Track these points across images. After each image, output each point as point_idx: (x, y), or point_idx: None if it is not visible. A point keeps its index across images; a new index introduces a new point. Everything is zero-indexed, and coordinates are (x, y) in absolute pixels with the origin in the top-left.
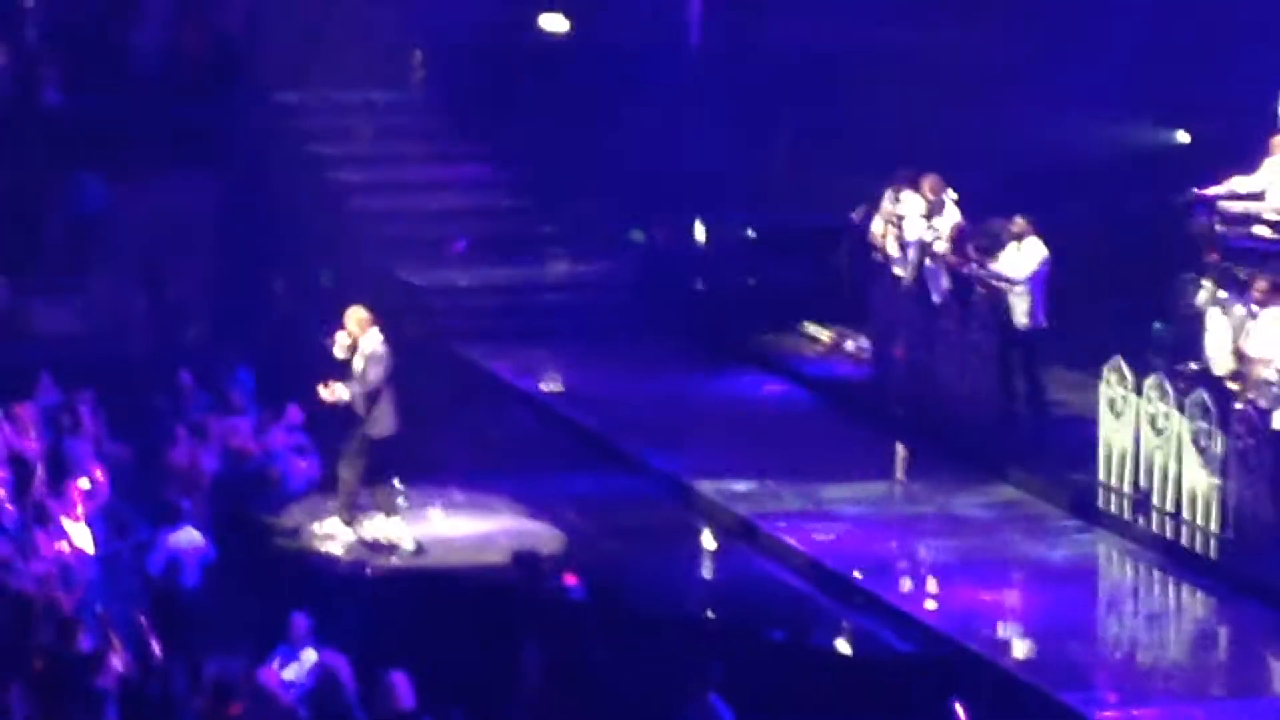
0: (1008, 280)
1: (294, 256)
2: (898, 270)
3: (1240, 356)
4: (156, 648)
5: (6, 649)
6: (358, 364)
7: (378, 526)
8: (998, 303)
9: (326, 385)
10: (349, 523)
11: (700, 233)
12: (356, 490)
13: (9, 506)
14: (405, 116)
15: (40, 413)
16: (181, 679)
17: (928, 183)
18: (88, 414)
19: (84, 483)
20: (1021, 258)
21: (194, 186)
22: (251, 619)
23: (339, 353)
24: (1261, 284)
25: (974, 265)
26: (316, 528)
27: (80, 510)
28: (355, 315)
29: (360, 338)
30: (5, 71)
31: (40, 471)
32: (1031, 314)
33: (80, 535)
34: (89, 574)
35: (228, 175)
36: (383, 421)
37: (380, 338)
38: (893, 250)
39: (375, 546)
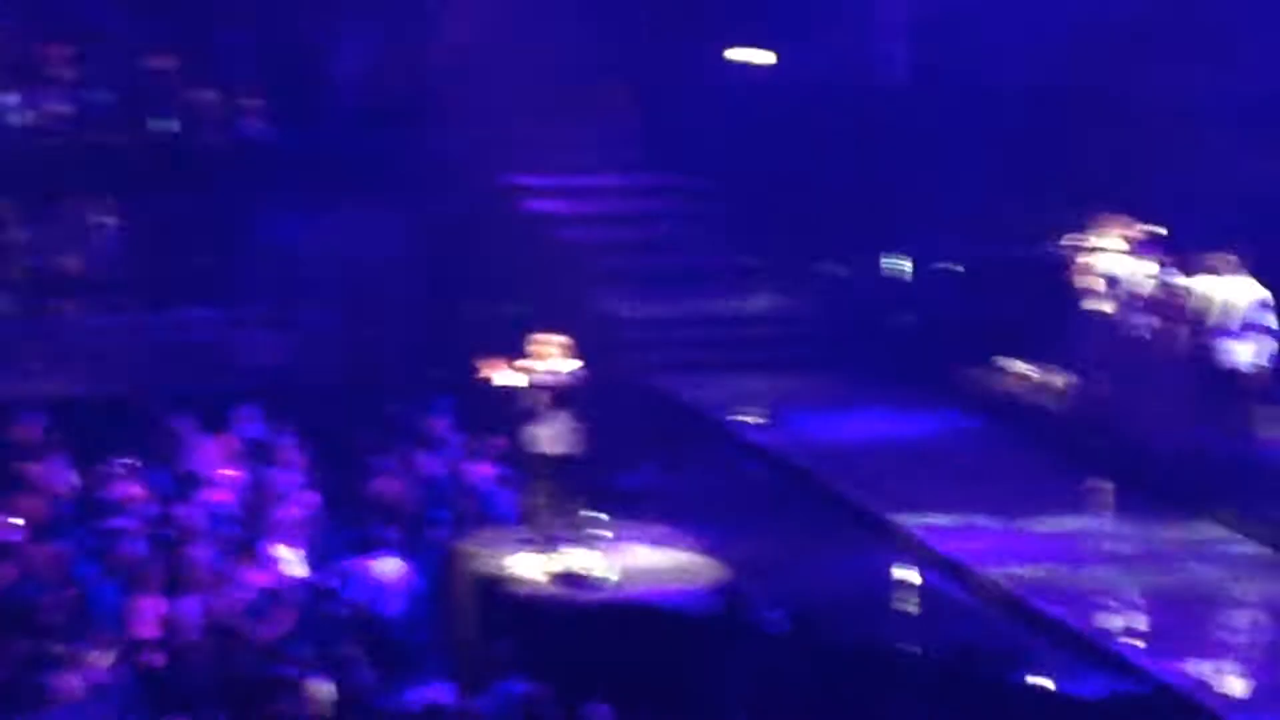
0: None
1: (493, 288)
2: (1100, 305)
3: None
4: (363, 677)
5: (210, 679)
6: (556, 397)
7: (575, 558)
8: (1207, 341)
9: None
10: (544, 553)
11: (902, 265)
12: (549, 519)
13: (213, 536)
14: (607, 150)
15: (244, 444)
16: (389, 708)
17: (1130, 220)
18: (291, 445)
19: (287, 512)
20: (1232, 298)
21: (395, 218)
22: (454, 648)
23: (514, 379)
24: None
25: (1170, 302)
26: (514, 558)
27: (283, 540)
28: (545, 342)
29: (555, 365)
30: (208, 105)
31: (244, 501)
32: (1250, 355)
33: (284, 564)
34: (293, 603)
35: (427, 207)
36: (558, 441)
37: (569, 365)
38: (1096, 285)
39: (572, 578)
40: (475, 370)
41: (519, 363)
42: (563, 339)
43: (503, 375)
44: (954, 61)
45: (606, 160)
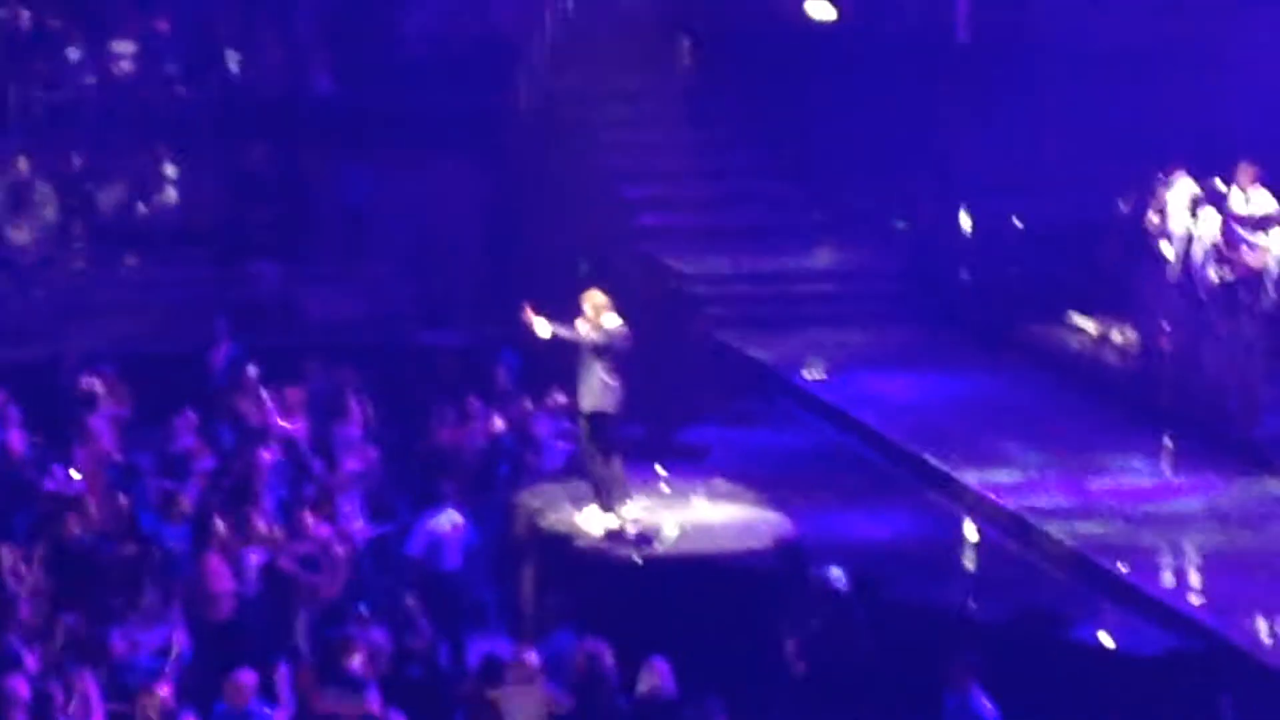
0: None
1: (561, 243)
2: (1167, 260)
3: None
4: (424, 630)
5: (271, 631)
6: (599, 338)
7: (635, 512)
8: (1271, 293)
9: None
10: (608, 508)
11: (966, 222)
12: (607, 474)
13: (276, 489)
14: (673, 104)
15: (309, 397)
16: (447, 661)
17: (1246, 172)
18: (355, 399)
19: (350, 466)
20: None
21: (463, 174)
22: (514, 602)
23: (583, 337)
24: None
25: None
26: (574, 513)
27: (346, 493)
28: (593, 299)
29: (599, 319)
30: (277, 62)
31: (307, 455)
32: None
33: (345, 518)
34: (354, 557)
35: (496, 162)
36: (603, 398)
37: (619, 321)
38: (1162, 240)
39: (635, 533)
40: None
41: (561, 320)
42: (601, 298)
43: (544, 328)
44: (1019, 17)
45: (670, 115)
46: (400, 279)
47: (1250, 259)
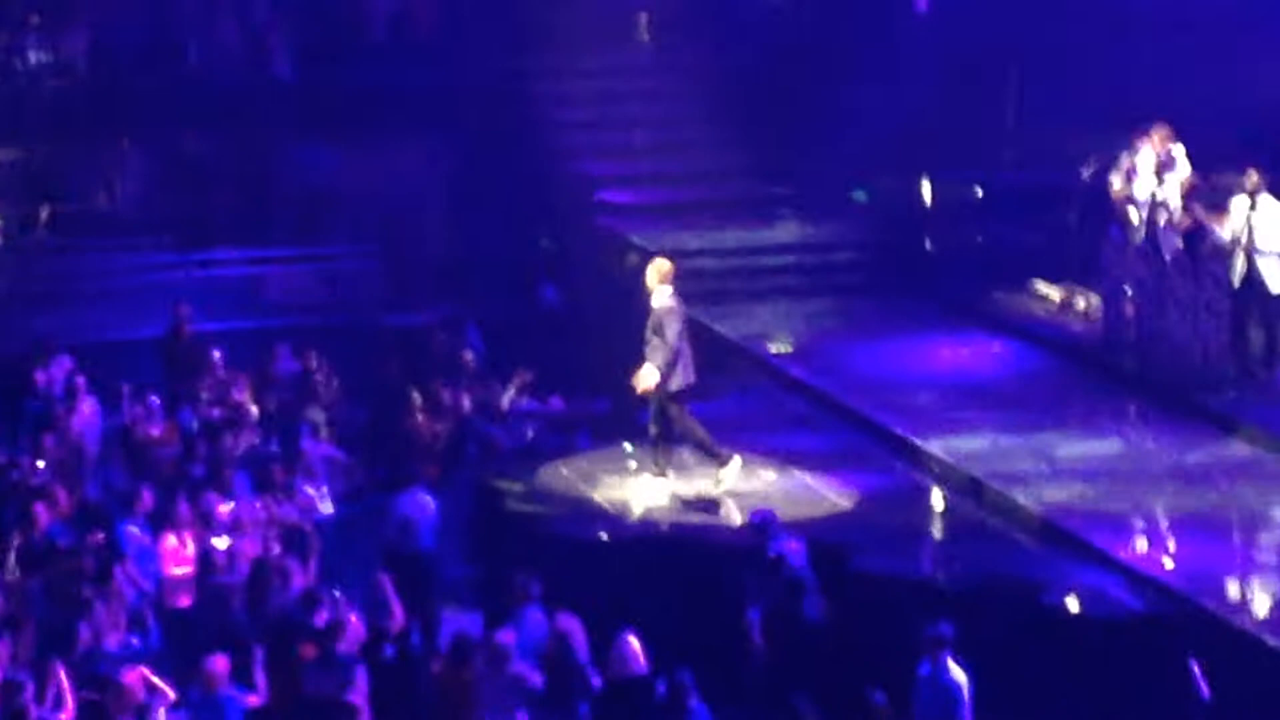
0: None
1: (524, 221)
2: (1129, 227)
3: None
4: (396, 611)
5: (241, 617)
6: (651, 325)
7: (605, 490)
8: (1234, 260)
9: (636, 379)
10: (661, 476)
11: (928, 192)
12: (669, 446)
13: (245, 472)
14: (633, 80)
15: (278, 379)
16: (418, 642)
17: (1157, 135)
18: (322, 380)
19: (318, 448)
20: (1257, 217)
21: (425, 154)
22: (485, 582)
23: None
24: None
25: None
26: (546, 490)
27: (314, 475)
28: (657, 267)
29: (654, 291)
30: (237, 45)
31: (274, 438)
32: (1276, 273)
33: (314, 500)
34: (324, 538)
35: (458, 142)
36: (678, 375)
37: (671, 291)
38: (1123, 206)
39: (602, 510)
40: (507, 303)
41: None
42: (667, 265)
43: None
44: None
45: (630, 91)
46: (364, 260)
47: (1215, 224)
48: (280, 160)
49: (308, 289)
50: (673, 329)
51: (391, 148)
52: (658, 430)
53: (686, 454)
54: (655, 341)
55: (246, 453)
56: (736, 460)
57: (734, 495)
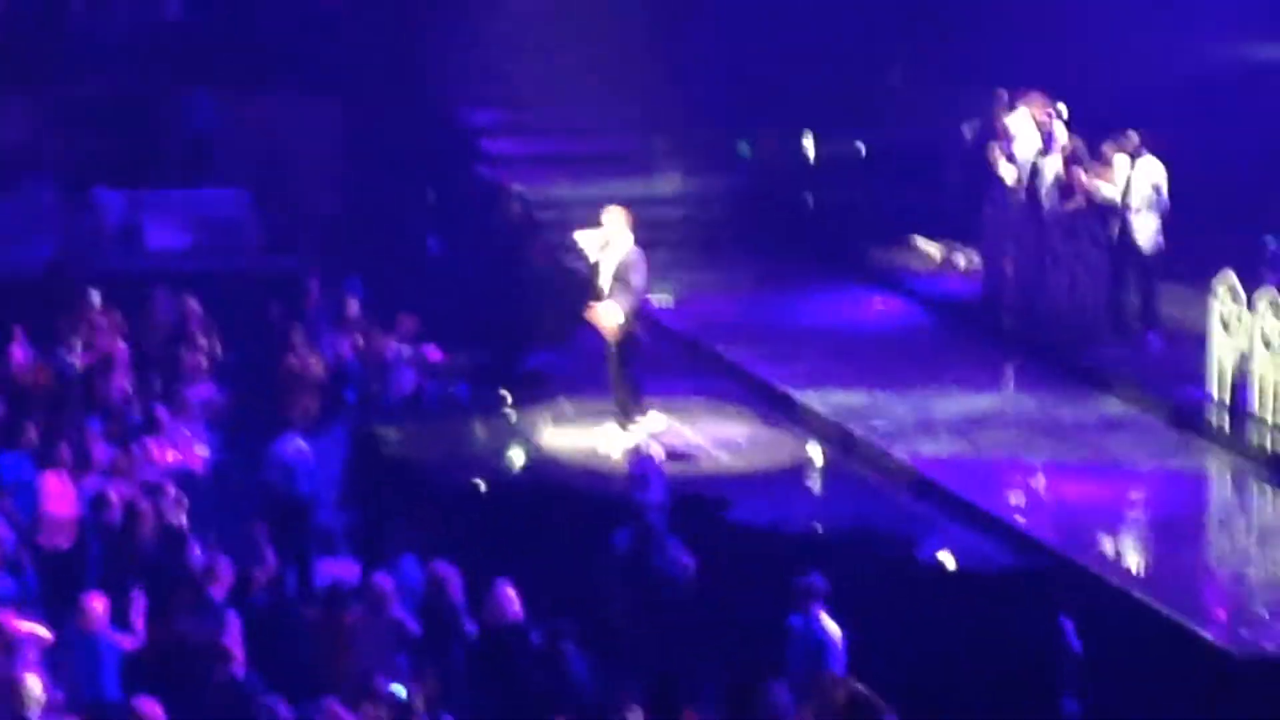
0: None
1: (408, 170)
2: (1008, 185)
3: None
4: (270, 557)
5: (119, 558)
6: (617, 272)
7: (483, 437)
8: (1113, 219)
9: (596, 314)
10: (625, 427)
11: (811, 147)
12: (629, 396)
13: (122, 416)
14: (516, 30)
15: (154, 324)
16: (294, 588)
17: (1038, 96)
18: (201, 325)
19: (196, 392)
20: (1136, 177)
21: (310, 101)
22: (362, 528)
23: (590, 254)
24: None
25: (1082, 183)
26: (425, 438)
27: (191, 420)
28: (615, 214)
29: (616, 239)
30: None
31: (151, 382)
32: (1151, 233)
33: (191, 445)
34: (200, 483)
35: (343, 90)
36: (628, 323)
37: (632, 238)
38: (1004, 165)
39: (481, 457)
40: (388, 251)
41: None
42: (624, 209)
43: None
44: None
45: (513, 41)
46: (246, 206)
47: (1096, 185)
48: (164, 104)
49: (188, 233)
50: (639, 278)
51: (277, 94)
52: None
53: (564, 403)
54: (618, 286)
55: (124, 396)
56: (656, 416)
57: (617, 445)
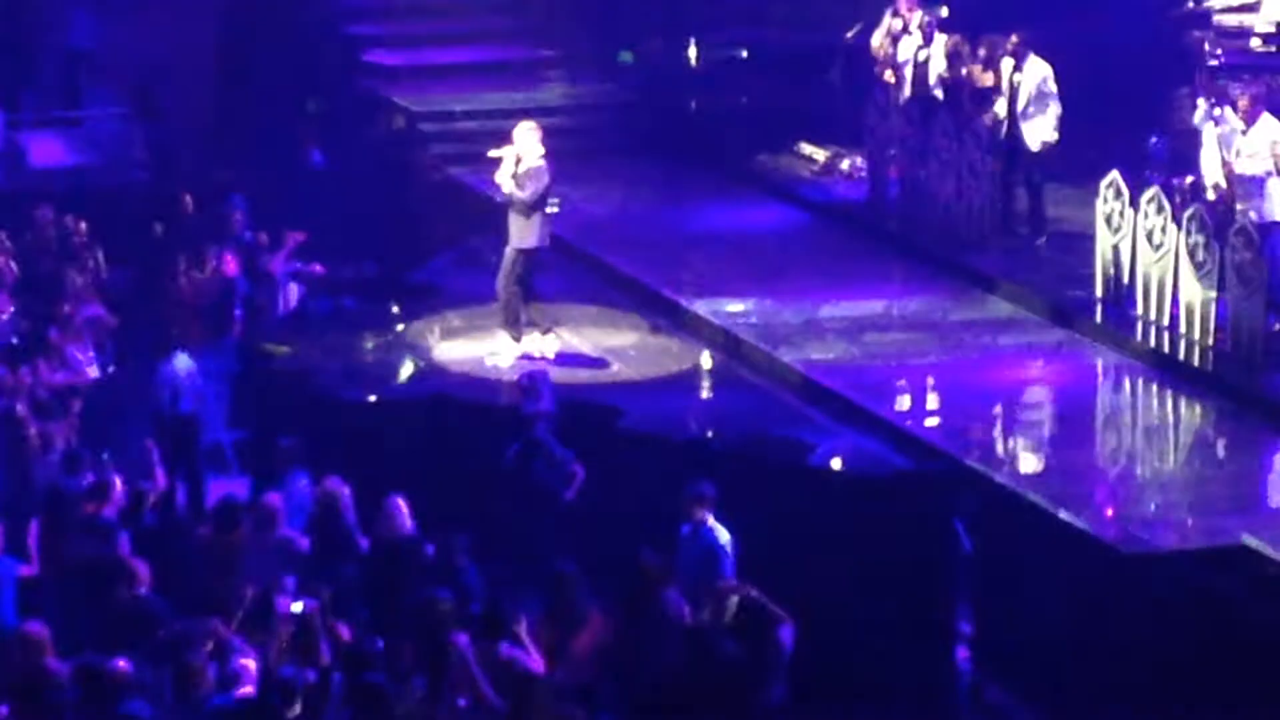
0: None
1: (289, 83)
2: (893, 87)
3: (1229, 173)
4: (160, 476)
5: (10, 481)
6: (519, 173)
7: (374, 350)
8: (999, 122)
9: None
10: (516, 339)
11: (694, 53)
12: (518, 306)
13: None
14: None
15: (40, 242)
16: (184, 505)
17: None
18: (85, 243)
19: (82, 311)
20: (1022, 79)
21: (189, 14)
22: (251, 446)
23: (504, 169)
24: (1244, 100)
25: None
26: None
27: (78, 339)
28: (524, 128)
29: (526, 151)
30: None
31: (38, 301)
32: (1039, 135)
33: (79, 364)
34: (90, 401)
35: (219, 4)
36: (532, 236)
37: (542, 152)
38: (888, 68)
39: (372, 370)
40: (272, 165)
41: None
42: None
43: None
44: None
45: None
46: (126, 123)
47: (979, 84)
48: (40, 21)
49: (69, 151)
50: (535, 187)
51: (155, 9)
52: (519, 290)
53: (451, 316)
54: (518, 193)
55: (10, 316)
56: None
57: (506, 356)
